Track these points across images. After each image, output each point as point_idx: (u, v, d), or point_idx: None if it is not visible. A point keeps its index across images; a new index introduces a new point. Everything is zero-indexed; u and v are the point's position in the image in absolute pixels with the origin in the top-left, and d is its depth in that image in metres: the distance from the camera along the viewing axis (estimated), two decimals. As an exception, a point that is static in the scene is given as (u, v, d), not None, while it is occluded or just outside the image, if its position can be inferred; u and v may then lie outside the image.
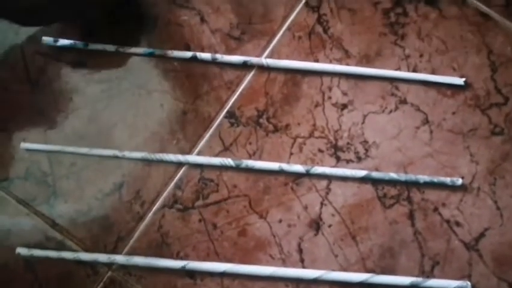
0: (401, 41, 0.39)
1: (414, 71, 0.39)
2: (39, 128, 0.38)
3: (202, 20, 0.39)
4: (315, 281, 0.35)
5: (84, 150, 0.37)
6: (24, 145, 0.37)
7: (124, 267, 0.36)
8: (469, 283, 0.35)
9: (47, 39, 0.38)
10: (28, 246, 0.36)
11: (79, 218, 0.36)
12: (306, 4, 0.39)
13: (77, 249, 0.36)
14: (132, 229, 0.37)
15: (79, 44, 0.38)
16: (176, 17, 0.39)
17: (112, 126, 0.38)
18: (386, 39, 0.39)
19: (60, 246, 0.36)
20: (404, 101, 0.38)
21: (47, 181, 0.37)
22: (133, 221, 0.37)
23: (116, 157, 0.37)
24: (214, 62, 0.38)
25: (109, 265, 0.36)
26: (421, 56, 0.39)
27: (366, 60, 0.39)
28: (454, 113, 0.38)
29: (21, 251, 0.35)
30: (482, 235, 0.36)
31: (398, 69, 0.39)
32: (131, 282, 0.36)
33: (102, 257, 0.35)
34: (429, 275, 0.35)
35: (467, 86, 0.38)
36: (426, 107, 0.38)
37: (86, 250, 0.36)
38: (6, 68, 0.39)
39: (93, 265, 0.36)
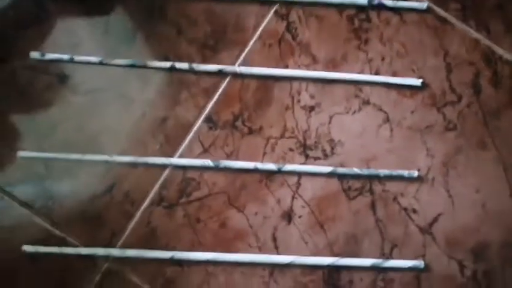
0: (364, 45, 0.42)
1: (377, 73, 0.42)
2: (33, 137, 0.41)
3: (179, 31, 0.42)
4: (288, 265, 0.40)
5: (76, 156, 0.40)
6: (22, 153, 0.40)
7: (119, 259, 0.40)
8: (422, 262, 0.40)
9: (34, 54, 0.41)
10: (32, 243, 0.40)
11: (76, 218, 0.41)
12: (276, 13, 0.42)
13: (76, 244, 0.40)
14: (124, 226, 0.41)
15: (65, 57, 0.41)
16: (154, 29, 0.42)
17: (98, 134, 0.41)
18: (351, 44, 0.42)
19: (61, 242, 0.40)
20: (367, 102, 0.42)
21: (45, 185, 0.41)
22: (125, 219, 0.41)
23: (107, 162, 0.41)
24: (191, 71, 0.41)
25: (106, 258, 0.40)
26: (383, 59, 0.42)
27: (332, 64, 0.42)
28: (412, 112, 0.42)
29: (27, 248, 0.40)
30: (435, 220, 0.41)
31: (362, 72, 0.42)
32: (126, 272, 0.40)
33: (99, 251, 0.40)
34: (389, 256, 0.40)
35: (424, 86, 0.42)
36: (387, 107, 0.42)
37: (85, 245, 0.40)
38: (-2, 83, 0.42)
39: (92, 258, 0.40)
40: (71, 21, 0.42)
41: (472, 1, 0.42)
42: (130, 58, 0.41)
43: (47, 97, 0.42)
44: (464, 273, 0.40)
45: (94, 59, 0.41)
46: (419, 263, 0.40)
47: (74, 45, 0.42)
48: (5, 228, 0.41)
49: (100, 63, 0.41)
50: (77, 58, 0.41)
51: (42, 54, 0.41)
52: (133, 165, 0.41)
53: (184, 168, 0.41)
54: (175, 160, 0.41)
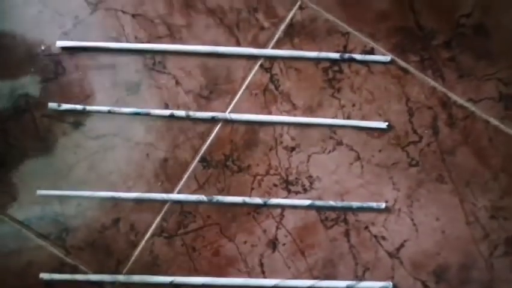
0: (337, 93, 0.48)
1: (348, 118, 0.48)
2: (50, 177, 0.47)
3: (177, 82, 0.48)
4: (274, 287, 0.45)
5: (88, 193, 0.46)
6: (40, 192, 0.46)
7: (125, 285, 0.45)
8: (391, 283, 0.45)
9: (52, 105, 0.47)
10: (48, 271, 0.45)
11: (87, 247, 0.46)
12: (261, 66, 0.48)
13: (87, 271, 0.46)
14: (129, 254, 0.46)
15: (79, 107, 0.47)
16: (155, 81, 0.48)
17: (107, 174, 0.47)
18: (325, 92, 0.48)
19: (74, 270, 0.46)
20: (340, 143, 0.48)
21: (59, 219, 0.46)
22: (130, 248, 0.46)
23: (114, 198, 0.46)
24: (188, 118, 0.47)
25: (113, 283, 0.46)
26: (354, 105, 0.48)
27: (309, 110, 0.48)
28: (380, 151, 0.48)
29: (44, 276, 0.45)
30: (402, 246, 0.47)
31: (335, 117, 0.48)
32: (130, 295, 0.46)
33: (107, 277, 0.45)
34: (362, 278, 0.46)
35: (390, 128, 0.48)
36: (358, 147, 0.48)
37: (94, 272, 0.46)
38: (20, 131, 0.47)
39: (100, 284, 0.45)
40: (84, 76, 0.48)
41: (428, 54, 0.48)
42: (134, 107, 0.47)
43: (63, 142, 0.47)
44: (428, 292, 0.45)
45: (103, 108, 0.47)
46: (388, 284, 0.45)
47: (87, 96, 0.48)
48: (23, 258, 0.46)
49: (109, 112, 0.47)
50: (89, 108, 0.47)
51: (59, 105, 0.47)
52: (138, 200, 0.47)
53: (181, 202, 0.47)
54: (174, 196, 0.46)
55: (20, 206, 0.46)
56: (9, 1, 0.49)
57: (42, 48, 0.48)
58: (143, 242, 0.46)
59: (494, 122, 0.48)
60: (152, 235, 0.46)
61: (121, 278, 0.45)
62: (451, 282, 0.46)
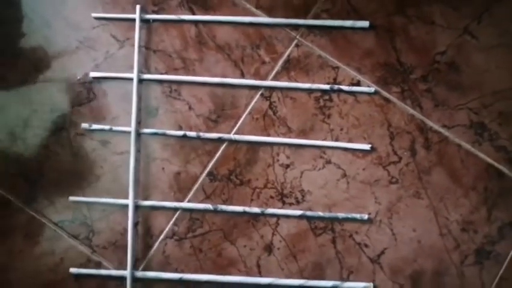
0: (327, 119, 0.55)
1: (337, 140, 0.55)
2: (81, 186, 0.55)
3: (190, 108, 0.56)
4: (269, 285, 0.52)
5: (112, 200, 0.54)
6: (72, 198, 0.54)
7: (141, 280, 0.53)
8: (372, 285, 0.51)
9: (84, 125, 0.55)
10: (77, 266, 0.53)
11: (110, 247, 0.54)
12: (261, 95, 0.56)
13: (109, 267, 0.53)
14: (145, 253, 0.54)
15: (106, 127, 0.55)
16: (171, 106, 0.56)
17: (128, 184, 0.54)
18: (317, 118, 0.56)
19: (98, 266, 0.53)
20: (329, 162, 0.55)
21: (87, 222, 0.54)
22: (146, 248, 0.54)
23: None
24: (198, 138, 0.55)
25: (131, 278, 0.53)
26: (341, 129, 0.55)
27: (303, 133, 0.55)
28: (364, 169, 0.55)
29: (74, 270, 0.53)
30: (382, 253, 0.53)
31: (325, 139, 0.55)
32: (145, 289, 0.53)
33: (126, 273, 0.52)
34: (346, 280, 0.52)
35: (373, 150, 0.55)
36: (344, 166, 0.55)
37: (115, 268, 0.53)
38: (58, 146, 0.56)
39: (121, 279, 0.53)
40: (112, 101, 0.57)
41: (408, 86, 0.55)
42: (153, 128, 0.56)
43: (92, 156, 0.56)
44: (404, 295, 0.51)
45: (127, 128, 0.55)
46: (369, 284, 0.51)
47: (113, 118, 0.56)
48: (56, 254, 0.54)
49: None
50: (115, 128, 0.55)
51: (90, 125, 0.55)
52: (153, 207, 0.54)
53: (191, 210, 0.54)
54: (185, 204, 0.54)
55: (56, 210, 0.55)
56: (52, 42, 0.57)
57: (78, 77, 0.57)
58: (157, 243, 0.54)
59: (466, 146, 0.54)
60: (165, 238, 0.54)
61: (138, 273, 0.52)
62: (425, 286, 0.52)
